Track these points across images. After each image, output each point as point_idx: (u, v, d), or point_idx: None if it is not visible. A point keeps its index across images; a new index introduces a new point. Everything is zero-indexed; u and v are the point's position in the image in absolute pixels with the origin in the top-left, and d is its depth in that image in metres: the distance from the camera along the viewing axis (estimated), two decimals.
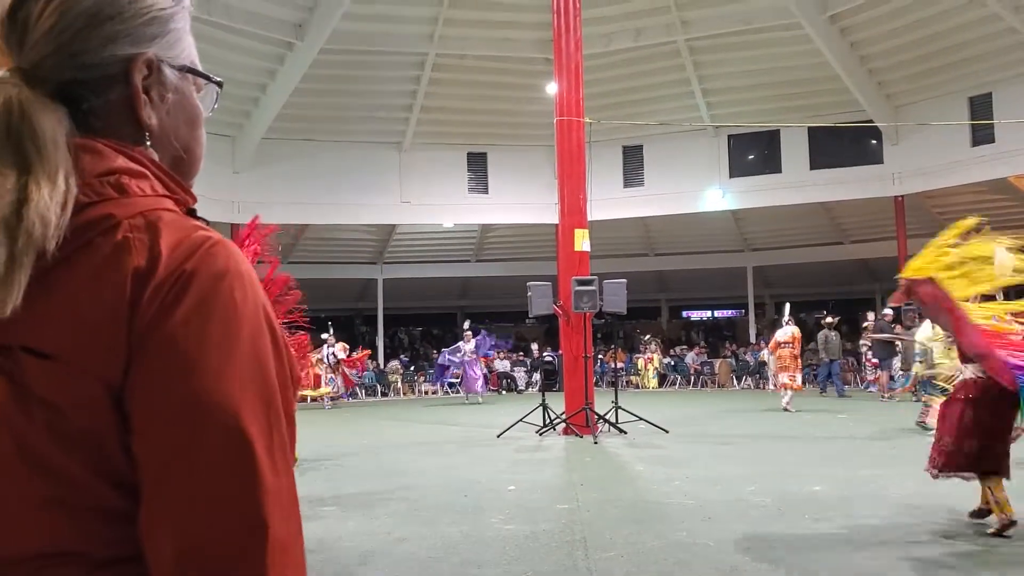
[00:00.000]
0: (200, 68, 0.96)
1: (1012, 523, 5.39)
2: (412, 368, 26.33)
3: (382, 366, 25.68)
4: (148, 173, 0.86)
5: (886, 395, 17.56)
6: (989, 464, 5.56)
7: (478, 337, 20.38)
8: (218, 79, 0.99)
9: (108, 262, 0.78)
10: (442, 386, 23.96)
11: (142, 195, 0.83)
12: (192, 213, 0.89)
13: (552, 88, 15.14)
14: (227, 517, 0.76)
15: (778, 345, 16.11)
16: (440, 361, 21.66)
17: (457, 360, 20.42)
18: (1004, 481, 5.52)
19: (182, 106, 0.93)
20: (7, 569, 0.78)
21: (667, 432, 11.80)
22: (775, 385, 16.52)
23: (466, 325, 21.27)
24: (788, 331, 16.08)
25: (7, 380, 0.77)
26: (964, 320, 5.59)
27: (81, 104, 0.85)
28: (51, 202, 0.77)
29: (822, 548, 5.28)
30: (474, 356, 20.07)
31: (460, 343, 20.66)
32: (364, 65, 21.18)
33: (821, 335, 19.54)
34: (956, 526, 5.65)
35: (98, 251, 0.79)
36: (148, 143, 0.89)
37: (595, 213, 13.82)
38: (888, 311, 19.11)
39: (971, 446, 5.60)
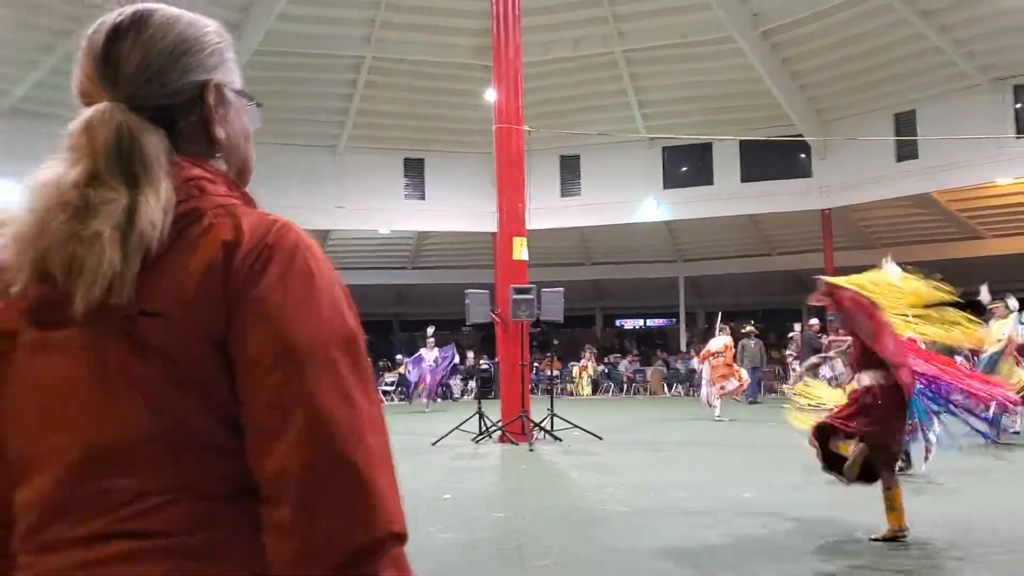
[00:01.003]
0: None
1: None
2: None
3: None
4: (219, 180, 1.04)
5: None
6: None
7: (442, 350, 19.93)
8: (259, 101, 1.17)
9: (200, 239, 0.95)
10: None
11: (218, 194, 1.01)
12: None
13: (490, 95, 15.14)
14: (331, 435, 0.90)
15: (710, 355, 16.16)
16: (410, 378, 20.66)
17: (422, 368, 19.94)
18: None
19: (240, 123, 1.11)
20: (138, 502, 0.92)
21: (601, 439, 11.86)
22: (707, 398, 16.37)
23: (430, 331, 20.67)
24: (720, 341, 16.17)
25: (129, 340, 0.93)
26: (887, 328, 5.76)
27: (174, 126, 1.03)
28: (157, 209, 0.94)
29: (753, 555, 5.34)
30: (435, 365, 19.69)
31: (422, 351, 20.19)
32: (299, 67, 20.90)
33: (739, 344, 19.75)
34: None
35: (191, 234, 0.96)
36: (219, 156, 1.08)
37: (532, 222, 13.84)
38: (814, 321, 19.56)
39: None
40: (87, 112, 0.99)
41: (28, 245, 0.94)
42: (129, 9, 1.05)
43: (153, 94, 1.02)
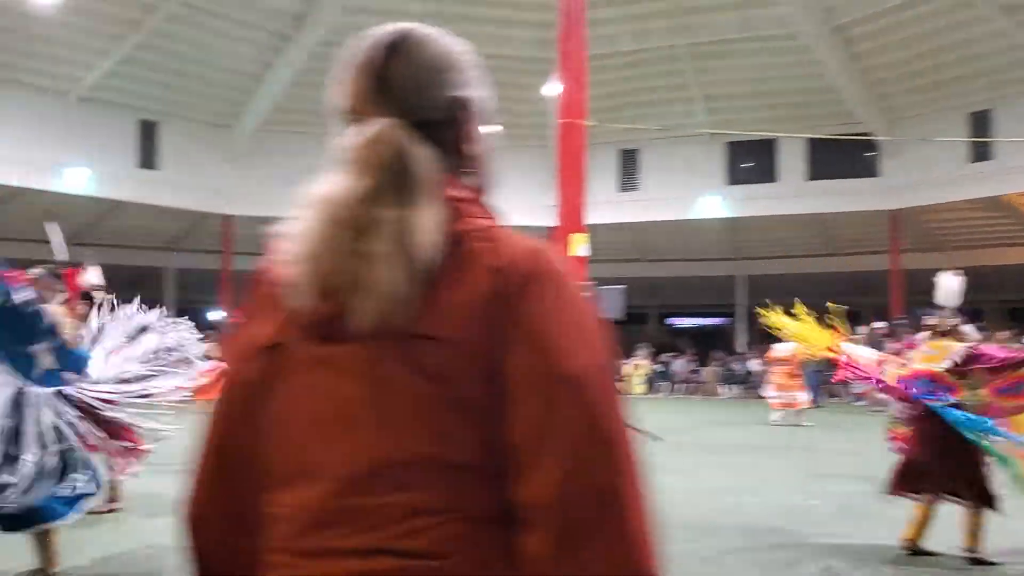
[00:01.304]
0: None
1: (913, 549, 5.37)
2: None
3: None
4: (473, 199, 1.06)
5: (875, 408, 17.44)
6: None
7: None
8: (499, 121, 1.18)
9: (467, 263, 0.97)
10: None
11: (474, 216, 1.03)
12: None
13: (548, 88, 14.99)
14: (591, 467, 0.92)
15: (775, 360, 15.32)
16: None
17: None
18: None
19: (485, 138, 1.13)
20: (410, 520, 0.94)
21: (660, 440, 11.65)
22: (772, 399, 15.73)
23: None
24: (787, 347, 15.24)
25: (407, 360, 0.95)
26: (858, 363, 6.17)
27: (436, 142, 1.03)
28: (433, 229, 0.96)
29: (820, 563, 5.19)
30: None
31: None
32: None
33: None
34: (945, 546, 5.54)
35: (457, 257, 0.97)
36: (469, 170, 1.08)
37: (590, 217, 13.65)
38: (881, 324, 18.98)
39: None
40: (369, 127, 1.02)
41: (313, 262, 0.97)
42: (392, 27, 1.12)
43: (419, 109, 1.04)
